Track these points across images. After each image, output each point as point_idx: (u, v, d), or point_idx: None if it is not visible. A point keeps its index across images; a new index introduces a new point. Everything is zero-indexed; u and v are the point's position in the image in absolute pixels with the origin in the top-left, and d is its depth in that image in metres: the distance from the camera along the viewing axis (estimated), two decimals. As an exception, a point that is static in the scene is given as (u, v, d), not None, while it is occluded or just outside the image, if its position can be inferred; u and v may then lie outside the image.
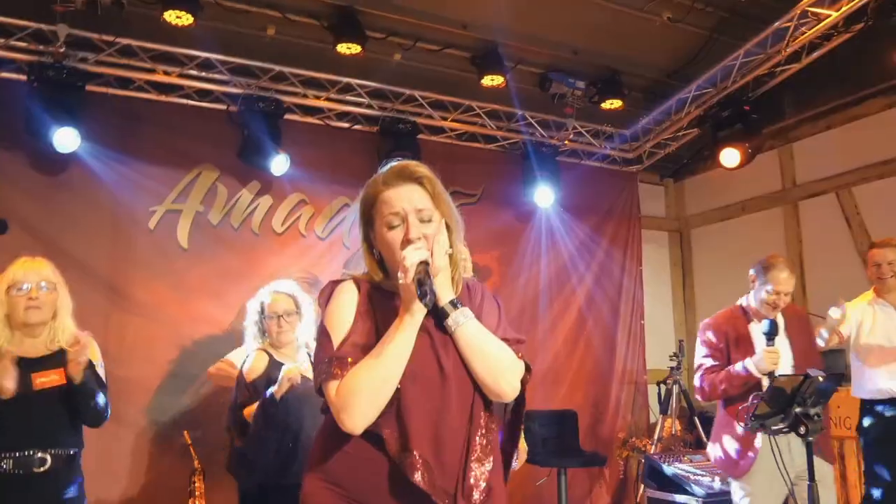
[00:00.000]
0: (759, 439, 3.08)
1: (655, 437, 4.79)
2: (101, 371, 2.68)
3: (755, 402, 2.21)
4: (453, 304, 1.61)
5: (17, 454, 2.33)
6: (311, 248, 5.38)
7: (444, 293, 1.61)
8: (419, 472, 1.53)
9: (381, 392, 1.52)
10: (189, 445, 4.52)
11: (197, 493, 4.38)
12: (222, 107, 5.08)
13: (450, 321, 1.60)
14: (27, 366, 2.44)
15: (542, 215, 6.17)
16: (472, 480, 1.59)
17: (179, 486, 4.52)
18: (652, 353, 6.64)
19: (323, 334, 1.64)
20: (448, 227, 1.70)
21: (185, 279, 4.94)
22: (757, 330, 3.27)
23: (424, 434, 1.57)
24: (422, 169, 1.73)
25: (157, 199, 4.92)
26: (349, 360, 1.56)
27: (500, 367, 1.63)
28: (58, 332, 2.59)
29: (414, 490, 1.53)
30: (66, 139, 4.37)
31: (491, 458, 1.64)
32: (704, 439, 5.02)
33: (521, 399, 1.71)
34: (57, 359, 2.52)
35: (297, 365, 2.75)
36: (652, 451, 4.75)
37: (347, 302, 1.66)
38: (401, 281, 1.54)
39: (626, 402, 6.36)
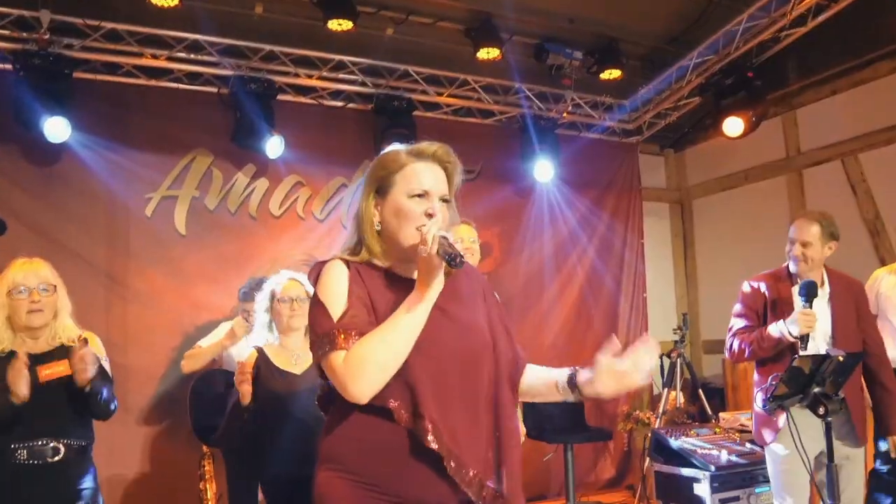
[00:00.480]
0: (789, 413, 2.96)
1: (660, 410, 4.78)
2: (106, 365, 2.69)
3: (773, 383, 2.15)
4: None
5: (31, 444, 2.36)
6: (310, 230, 5.33)
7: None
8: (431, 436, 1.52)
9: (392, 363, 1.52)
10: (197, 432, 4.55)
11: (207, 476, 4.40)
12: (213, 90, 4.99)
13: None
14: (31, 361, 2.43)
15: (542, 190, 6.10)
16: (492, 449, 1.60)
17: (190, 471, 4.54)
18: (654, 325, 6.61)
19: (318, 308, 1.61)
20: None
21: (183, 266, 4.91)
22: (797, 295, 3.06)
23: (435, 401, 1.55)
24: (453, 157, 1.74)
25: (152, 187, 4.87)
26: (353, 332, 1.54)
27: None
28: (58, 330, 2.60)
29: (429, 468, 1.53)
30: (56, 129, 4.30)
31: (513, 426, 1.67)
32: (709, 412, 5.01)
33: None
34: (59, 353, 2.52)
35: (246, 368, 2.70)
36: (656, 425, 4.74)
37: (339, 276, 1.64)
38: (423, 254, 1.53)
39: (630, 376, 6.34)
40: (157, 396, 4.74)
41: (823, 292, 3.09)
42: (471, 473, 1.55)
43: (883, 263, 5.28)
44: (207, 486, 4.36)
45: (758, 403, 3.05)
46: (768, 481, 3.63)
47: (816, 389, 2.04)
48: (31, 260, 2.63)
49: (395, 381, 1.54)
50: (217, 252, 5.02)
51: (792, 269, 3.15)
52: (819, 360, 2.03)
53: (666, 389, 4.97)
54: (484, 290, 1.80)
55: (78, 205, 4.64)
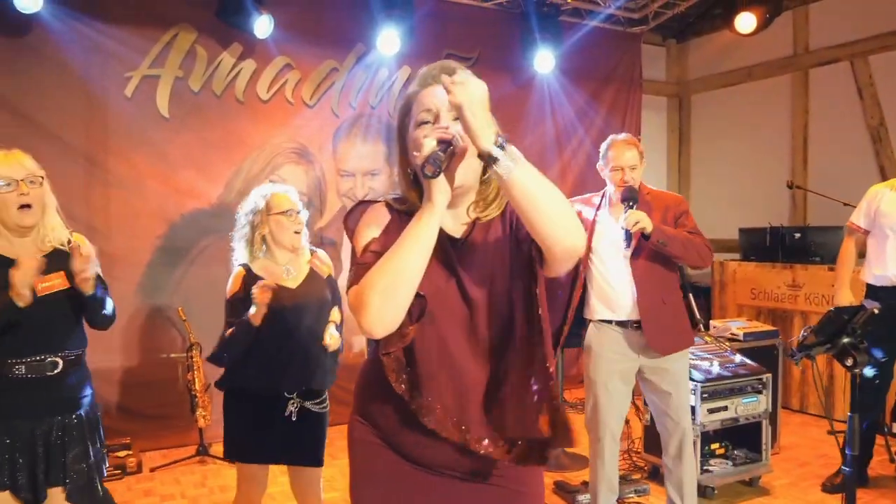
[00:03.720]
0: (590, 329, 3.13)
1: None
2: (98, 270, 2.53)
3: (805, 333, 2.14)
4: (499, 145, 1.30)
5: (29, 360, 2.28)
6: (300, 116, 5.09)
7: (485, 134, 1.29)
8: (430, 417, 1.44)
9: (395, 287, 1.35)
10: (184, 321, 4.51)
11: (195, 367, 4.42)
12: (196, -43, 4.58)
13: (499, 168, 1.30)
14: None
15: (542, 81, 5.86)
16: (494, 430, 1.46)
17: (177, 360, 4.55)
18: (645, 221, 6.59)
19: (352, 249, 1.54)
20: None
21: (167, 150, 4.69)
22: (604, 216, 3.16)
23: (439, 377, 1.46)
24: (458, 66, 1.51)
25: (132, 65, 4.56)
26: (368, 266, 1.42)
27: (563, 212, 1.34)
28: (48, 230, 2.41)
29: (431, 434, 1.46)
30: (26, -2, 3.97)
31: (530, 401, 1.47)
32: (697, 316, 5.07)
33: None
34: (53, 260, 2.35)
35: (267, 281, 2.56)
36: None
37: (376, 218, 1.54)
38: (416, 161, 1.40)
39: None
40: (141, 285, 4.66)
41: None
42: (485, 443, 1.45)
43: (882, 171, 5.27)
44: (195, 376, 4.38)
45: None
46: (756, 392, 3.78)
47: (846, 340, 2.02)
48: (11, 151, 2.40)
49: (398, 351, 1.46)
50: (202, 137, 4.79)
51: (612, 193, 3.18)
52: (852, 311, 2.00)
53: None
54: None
55: (51, 81, 4.34)
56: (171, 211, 4.72)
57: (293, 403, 2.62)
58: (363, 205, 1.60)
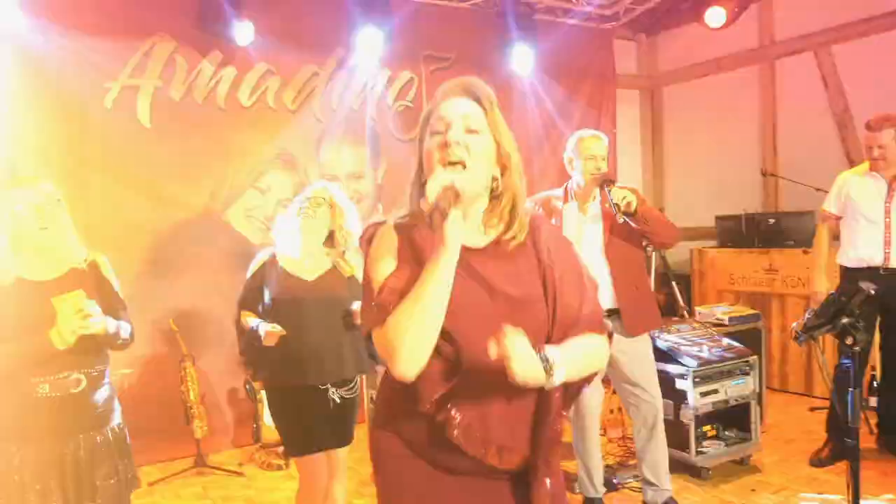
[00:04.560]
0: None
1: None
2: (116, 286, 2.55)
3: (808, 316, 2.26)
4: (545, 365, 1.40)
5: (52, 377, 2.29)
6: (282, 121, 5.10)
7: (535, 377, 1.39)
8: (457, 430, 1.49)
9: (423, 334, 1.41)
10: (175, 333, 4.50)
11: (188, 379, 4.41)
12: (173, -35, 4.55)
13: (549, 384, 1.42)
14: (45, 290, 2.29)
15: (520, 79, 5.95)
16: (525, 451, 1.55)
17: (170, 373, 4.53)
18: (622, 213, 6.72)
19: (365, 279, 1.55)
20: (504, 164, 1.55)
21: (150, 161, 4.65)
22: (571, 209, 3.29)
23: (471, 389, 1.50)
24: (482, 85, 1.57)
25: (111, 75, 4.51)
26: (389, 307, 1.44)
27: (593, 369, 1.59)
28: (65, 251, 2.42)
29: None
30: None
31: (552, 427, 1.56)
32: (681, 303, 5.21)
33: None
34: (71, 279, 2.37)
35: (277, 330, 2.68)
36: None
37: (386, 245, 1.55)
38: (423, 207, 1.42)
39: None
40: (130, 298, 4.45)
41: (596, 203, 3.25)
42: (494, 451, 1.53)
43: (849, 157, 5.46)
44: (189, 387, 4.38)
45: None
46: (744, 374, 3.91)
47: (845, 320, 2.13)
48: (29, 175, 2.44)
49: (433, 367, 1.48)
50: (185, 146, 4.76)
51: (580, 184, 3.31)
52: (850, 292, 2.12)
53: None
54: (554, 256, 1.60)
55: (28, 93, 4.27)
56: (156, 222, 4.69)
57: (333, 393, 2.77)
58: (373, 227, 1.61)
